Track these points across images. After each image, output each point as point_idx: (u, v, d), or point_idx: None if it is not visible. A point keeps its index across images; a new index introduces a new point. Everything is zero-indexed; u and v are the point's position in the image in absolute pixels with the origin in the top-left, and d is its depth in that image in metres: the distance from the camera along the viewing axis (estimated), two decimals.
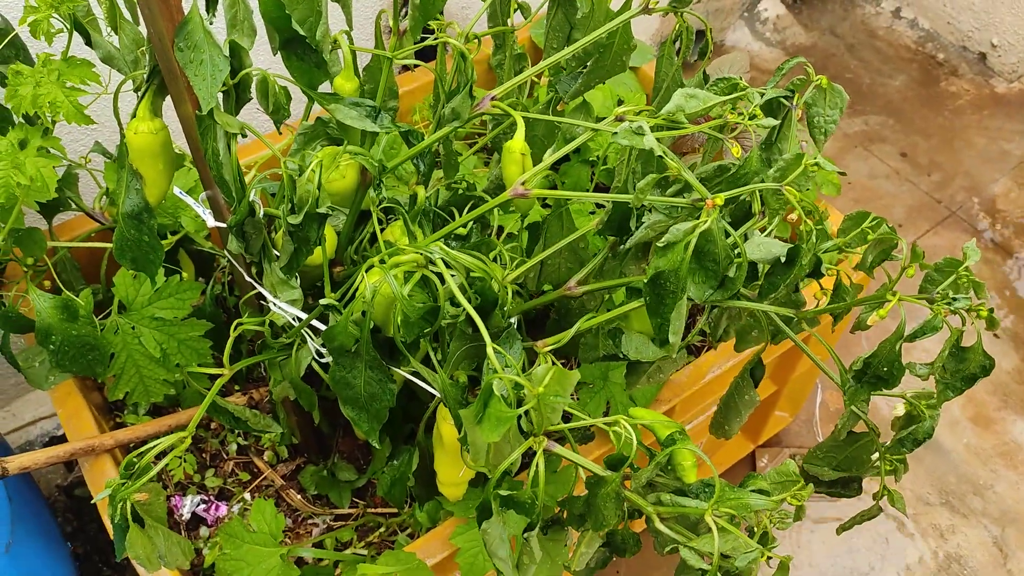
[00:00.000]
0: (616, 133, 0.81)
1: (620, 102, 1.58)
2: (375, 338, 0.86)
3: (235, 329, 0.92)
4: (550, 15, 1.07)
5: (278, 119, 0.80)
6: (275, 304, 0.94)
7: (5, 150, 0.95)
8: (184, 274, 1.21)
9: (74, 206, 1.20)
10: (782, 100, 0.93)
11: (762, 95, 0.92)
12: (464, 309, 0.79)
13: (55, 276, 1.15)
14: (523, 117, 0.89)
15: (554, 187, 1.47)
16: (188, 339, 1.16)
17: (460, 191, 1.08)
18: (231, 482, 1.28)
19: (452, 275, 0.78)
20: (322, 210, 0.82)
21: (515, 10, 1.11)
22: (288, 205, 0.82)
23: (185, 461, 1.24)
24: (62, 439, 1.66)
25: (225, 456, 1.31)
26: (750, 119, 0.90)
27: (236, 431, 1.31)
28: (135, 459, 0.83)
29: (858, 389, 0.79)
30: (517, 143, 0.88)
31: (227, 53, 0.75)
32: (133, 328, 1.14)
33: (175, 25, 0.74)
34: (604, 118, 1.65)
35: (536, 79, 1.55)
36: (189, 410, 1.23)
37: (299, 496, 1.27)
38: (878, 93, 2.33)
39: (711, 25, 2.36)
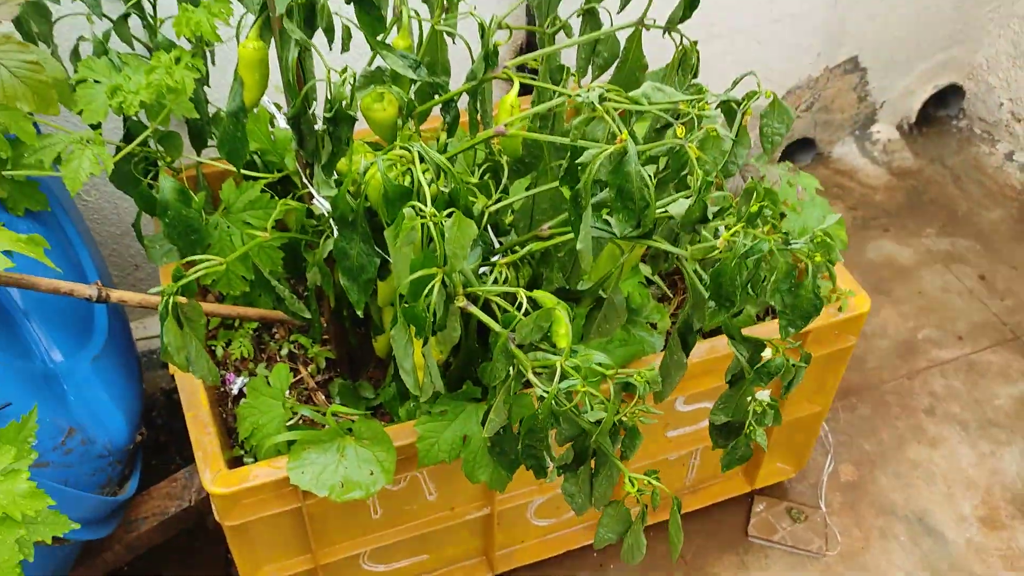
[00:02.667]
0: (581, 96, 1.06)
1: None
2: (371, 223, 1.13)
3: (280, 207, 1.22)
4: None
5: (331, 39, 1.11)
6: (317, 199, 1.23)
7: (165, 62, 1.31)
8: (277, 198, 1.53)
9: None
10: (733, 104, 1.14)
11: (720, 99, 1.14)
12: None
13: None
14: (522, 83, 1.16)
15: None
16: (267, 246, 1.47)
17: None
18: None
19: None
20: (352, 112, 1.11)
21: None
22: (328, 106, 1.11)
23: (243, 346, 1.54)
24: None
25: (279, 359, 1.59)
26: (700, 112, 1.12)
27: (292, 340, 1.60)
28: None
29: (715, 312, 0.97)
30: (510, 97, 1.14)
31: None
32: (228, 227, 1.47)
33: None
34: None
35: None
36: (257, 310, 1.54)
37: (324, 399, 1.53)
38: (972, 222, 2.42)
39: (819, 136, 2.55)
